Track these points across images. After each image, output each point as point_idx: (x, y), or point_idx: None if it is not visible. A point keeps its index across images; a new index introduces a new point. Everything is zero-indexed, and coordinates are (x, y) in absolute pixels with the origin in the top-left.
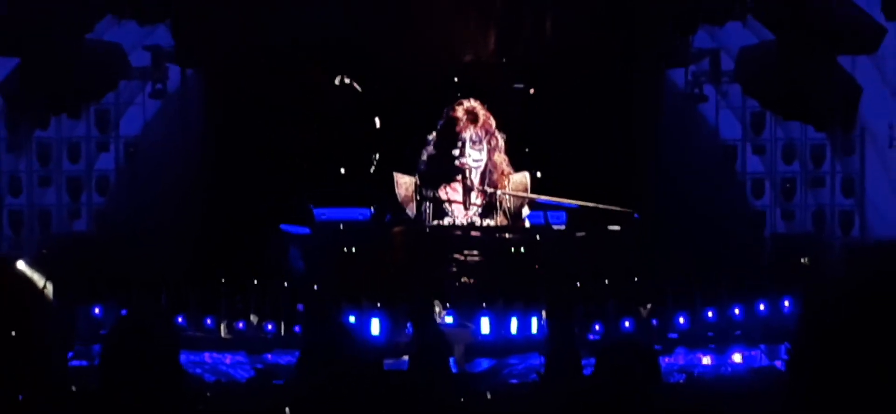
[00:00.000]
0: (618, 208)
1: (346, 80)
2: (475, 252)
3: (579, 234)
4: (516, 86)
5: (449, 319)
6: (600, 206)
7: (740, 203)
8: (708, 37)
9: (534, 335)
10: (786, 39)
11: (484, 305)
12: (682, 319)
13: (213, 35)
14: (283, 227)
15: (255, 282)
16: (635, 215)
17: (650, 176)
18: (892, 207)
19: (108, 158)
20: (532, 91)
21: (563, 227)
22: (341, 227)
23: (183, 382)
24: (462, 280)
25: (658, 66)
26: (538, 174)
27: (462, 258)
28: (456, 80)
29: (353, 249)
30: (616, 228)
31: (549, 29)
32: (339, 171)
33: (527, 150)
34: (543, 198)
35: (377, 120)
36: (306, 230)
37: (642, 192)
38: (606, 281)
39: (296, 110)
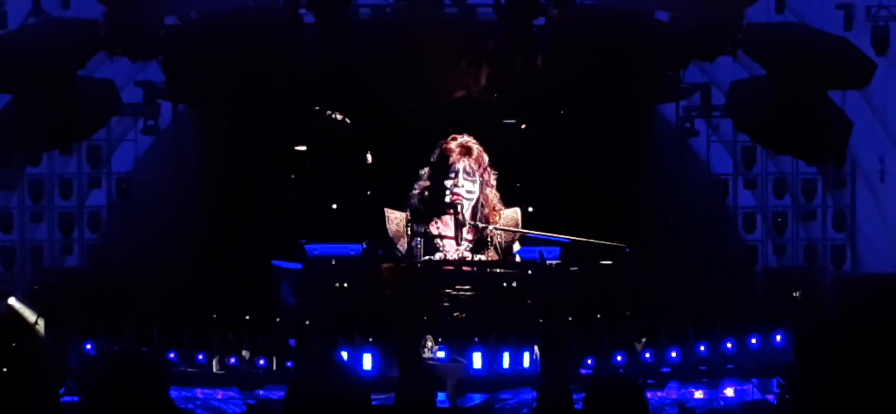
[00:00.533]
0: (610, 243)
1: (337, 116)
2: (467, 287)
3: (572, 268)
4: (507, 121)
5: (441, 354)
6: (592, 240)
7: (732, 237)
8: (699, 72)
9: (526, 370)
10: (776, 74)
11: (476, 339)
12: (674, 354)
13: (205, 73)
14: (274, 262)
15: (247, 317)
16: (627, 250)
17: (642, 211)
18: (884, 242)
19: (100, 194)
20: (524, 126)
21: (555, 261)
22: (333, 262)
23: None
24: (454, 315)
25: (649, 101)
26: (530, 209)
27: (454, 293)
28: (447, 116)
29: (345, 285)
30: (608, 262)
31: (541, 66)
32: (331, 207)
33: (518, 185)
34: (535, 233)
35: (369, 155)
36: (298, 266)
37: (634, 226)
38: (598, 315)
39: (287, 146)
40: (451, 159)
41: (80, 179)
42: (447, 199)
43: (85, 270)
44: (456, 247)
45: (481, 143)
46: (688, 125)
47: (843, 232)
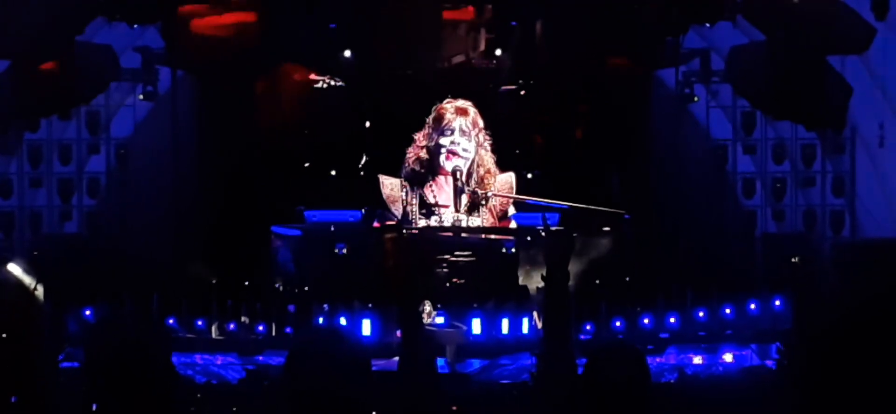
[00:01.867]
0: (608, 209)
1: (332, 81)
2: (466, 253)
3: (571, 234)
4: (505, 87)
5: (440, 320)
6: (591, 207)
7: (731, 203)
8: (698, 37)
9: (525, 335)
10: (776, 39)
11: (475, 305)
12: (672, 319)
13: (203, 38)
14: (274, 228)
15: (246, 283)
16: (626, 216)
17: (641, 176)
18: (883, 207)
19: (98, 160)
20: (523, 92)
21: (555, 227)
22: (332, 229)
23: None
24: (453, 280)
25: (648, 66)
26: (528, 175)
27: (453, 258)
28: (445, 82)
29: (344, 251)
30: (607, 228)
31: (539, 31)
32: (330, 174)
33: (517, 151)
34: (533, 199)
35: (367, 122)
36: (297, 232)
37: (633, 192)
38: (597, 281)
39: (286, 112)
40: (447, 119)
41: (79, 145)
42: (443, 159)
43: (84, 235)
44: (452, 210)
45: (479, 108)
46: (687, 91)
47: (842, 197)
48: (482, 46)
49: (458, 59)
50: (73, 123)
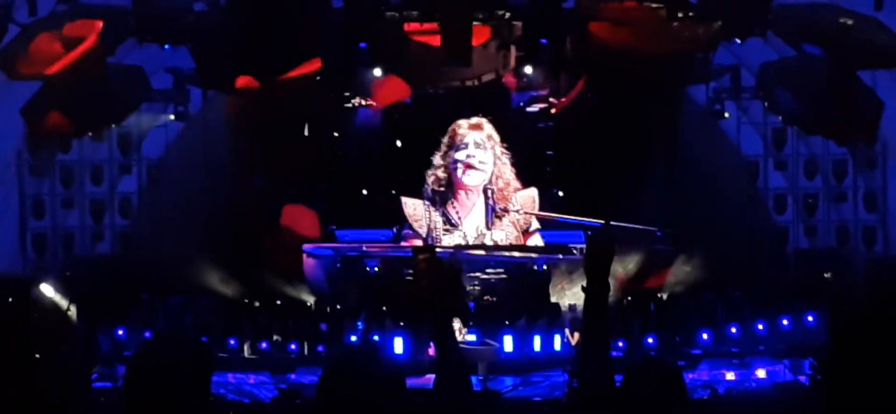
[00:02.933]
0: (640, 226)
1: (362, 102)
2: (498, 270)
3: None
4: (536, 105)
5: (471, 338)
6: (623, 224)
7: (763, 219)
8: (728, 53)
9: (557, 352)
10: (806, 55)
11: (507, 323)
12: (705, 335)
13: (234, 59)
14: (305, 248)
15: (279, 302)
16: (658, 233)
17: (672, 193)
18: None
19: (130, 180)
20: (553, 110)
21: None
22: (364, 248)
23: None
24: (484, 298)
25: (679, 83)
26: (560, 194)
27: (485, 276)
28: (473, 98)
29: (376, 269)
30: (640, 246)
31: (570, 49)
32: (361, 193)
33: (548, 169)
34: (565, 217)
35: (398, 142)
36: (329, 251)
37: (665, 209)
38: (629, 298)
39: (316, 131)
40: (461, 134)
41: (111, 165)
42: (460, 173)
43: (116, 255)
44: (474, 228)
45: (509, 125)
46: (718, 107)
47: (875, 213)
48: (512, 64)
49: (488, 76)
50: (105, 144)
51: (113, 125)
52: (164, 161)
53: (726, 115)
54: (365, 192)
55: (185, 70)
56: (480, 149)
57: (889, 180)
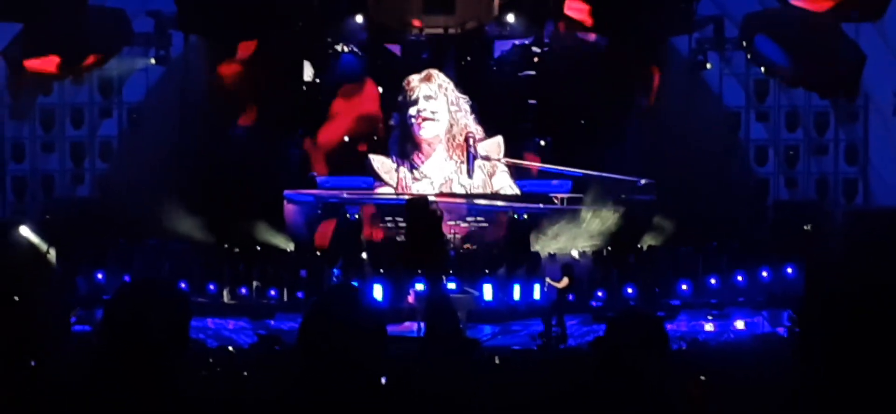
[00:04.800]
0: (622, 177)
1: (347, 48)
2: (479, 219)
3: (584, 204)
4: (518, 52)
5: (451, 286)
6: (604, 174)
7: (743, 170)
8: (711, 3)
9: (536, 301)
10: (790, 6)
11: (486, 271)
12: (684, 286)
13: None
14: (286, 193)
15: (258, 248)
16: (639, 182)
17: (653, 143)
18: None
19: (111, 124)
20: (535, 59)
21: (568, 195)
22: (344, 194)
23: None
24: (465, 247)
25: (662, 33)
26: (542, 143)
27: (465, 225)
28: (456, 44)
29: (357, 216)
30: (621, 196)
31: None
32: (343, 139)
33: (530, 118)
34: (548, 166)
35: (380, 88)
36: (309, 197)
37: (646, 159)
38: (608, 248)
39: (300, 78)
40: (410, 88)
41: (91, 109)
42: (415, 127)
43: (96, 199)
44: (442, 175)
45: (491, 73)
46: (700, 58)
47: (855, 165)
48: (495, 11)
49: (472, 24)
50: (86, 87)
51: (94, 68)
52: (144, 105)
53: (709, 65)
54: (347, 139)
55: (166, 13)
56: (431, 100)
57: (870, 133)
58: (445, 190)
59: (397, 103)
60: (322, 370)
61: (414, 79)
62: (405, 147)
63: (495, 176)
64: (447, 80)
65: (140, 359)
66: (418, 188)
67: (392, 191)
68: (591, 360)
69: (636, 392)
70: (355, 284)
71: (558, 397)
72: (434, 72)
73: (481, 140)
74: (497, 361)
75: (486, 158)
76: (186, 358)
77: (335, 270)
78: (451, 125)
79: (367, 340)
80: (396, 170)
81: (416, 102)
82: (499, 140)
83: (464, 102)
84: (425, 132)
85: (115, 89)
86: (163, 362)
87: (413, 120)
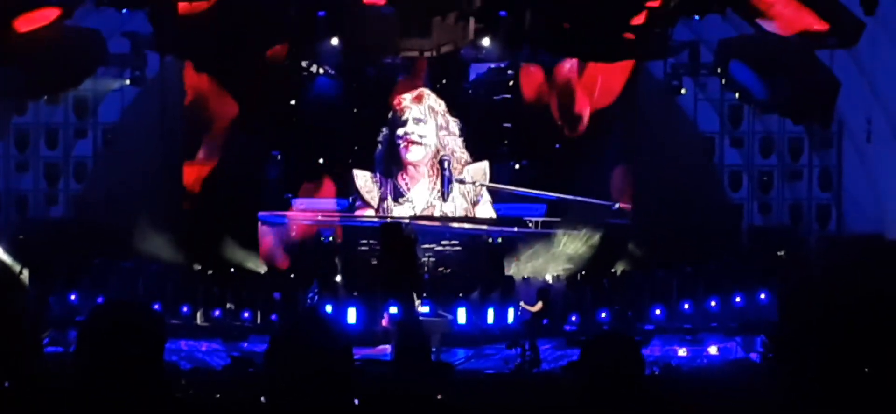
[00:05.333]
0: (597, 201)
1: (321, 69)
2: (453, 242)
3: (558, 227)
4: (493, 76)
5: (425, 309)
6: (578, 198)
7: (718, 195)
8: (687, 29)
9: (510, 325)
10: (764, 33)
11: (460, 295)
12: (658, 311)
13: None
14: (261, 215)
15: (232, 270)
16: (613, 207)
17: (628, 168)
18: (870, 201)
19: (86, 145)
20: (511, 83)
21: (541, 219)
22: (319, 217)
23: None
24: (439, 270)
25: (637, 58)
26: (516, 167)
27: (440, 248)
28: (431, 68)
29: (330, 238)
30: (595, 220)
31: (528, 21)
32: (318, 162)
33: (506, 142)
34: (523, 190)
35: (355, 110)
36: (283, 219)
37: (620, 184)
38: (582, 272)
39: (274, 101)
40: (401, 108)
41: (66, 129)
42: (402, 149)
43: (70, 219)
44: (425, 197)
45: (467, 96)
46: (675, 83)
47: (829, 191)
48: (470, 36)
49: (447, 48)
50: (61, 108)
51: (69, 89)
52: (119, 126)
53: (683, 91)
54: (321, 161)
55: (142, 34)
56: (420, 123)
57: (844, 160)
58: (427, 214)
59: (387, 120)
60: (290, 397)
61: (405, 98)
62: (390, 167)
63: (479, 206)
64: (438, 101)
65: (115, 380)
66: (400, 212)
67: (371, 213)
68: (565, 384)
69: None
70: (329, 306)
71: None
72: (425, 92)
73: (468, 164)
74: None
75: (461, 181)
76: (160, 380)
77: (309, 293)
78: (438, 150)
79: (334, 365)
80: (378, 189)
81: (404, 124)
82: (485, 166)
83: (454, 125)
84: (412, 156)
85: (90, 110)
86: (138, 384)
87: (400, 141)
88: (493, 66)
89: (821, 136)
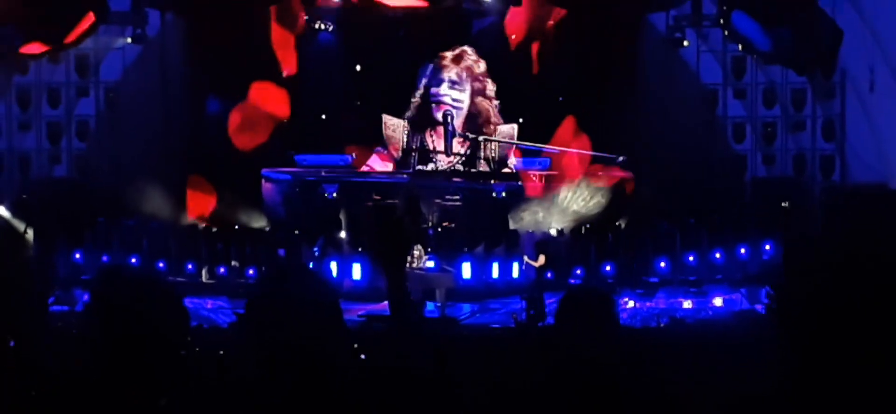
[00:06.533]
0: (601, 154)
1: (323, 25)
2: (456, 198)
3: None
4: (496, 30)
5: (430, 264)
6: (583, 151)
7: (721, 147)
8: None
9: (514, 279)
10: None
11: (465, 249)
12: (662, 264)
13: None
14: (264, 172)
15: (236, 227)
16: (618, 159)
17: (632, 120)
18: (872, 152)
19: (88, 103)
20: (513, 37)
21: (546, 172)
22: (323, 173)
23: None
24: (443, 225)
25: (639, 10)
26: (520, 120)
27: (443, 203)
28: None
29: (335, 194)
30: (600, 174)
31: None
32: (321, 117)
33: (508, 97)
34: (527, 143)
35: (358, 66)
36: (287, 176)
37: (625, 136)
38: (587, 225)
39: (276, 56)
40: (439, 66)
41: (68, 88)
42: (434, 108)
43: (73, 179)
44: (447, 158)
45: (475, 51)
46: (678, 35)
47: (832, 142)
48: None
49: (448, 2)
50: (63, 66)
51: (71, 47)
52: (121, 84)
53: (686, 42)
54: (324, 116)
55: None
56: (456, 88)
57: (847, 110)
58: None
59: (426, 73)
60: (272, 364)
61: (446, 57)
62: (422, 122)
63: (507, 165)
64: (478, 62)
65: (131, 357)
66: (422, 164)
67: (382, 167)
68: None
69: (586, 370)
70: (334, 263)
71: (534, 377)
72: (467, 50)
73: (498, 125)
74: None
75: (464, 136)
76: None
77: (314, 249)
78: (473, 115)
79: (318, 325)
80: (405, 139)
81: (439, 84)
82: (511, 130)
83: (491, 87)
84: (440, 115)
85: (91, 69)
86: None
87: (434, 103)
88: (495, 19)
89: (824, 87)
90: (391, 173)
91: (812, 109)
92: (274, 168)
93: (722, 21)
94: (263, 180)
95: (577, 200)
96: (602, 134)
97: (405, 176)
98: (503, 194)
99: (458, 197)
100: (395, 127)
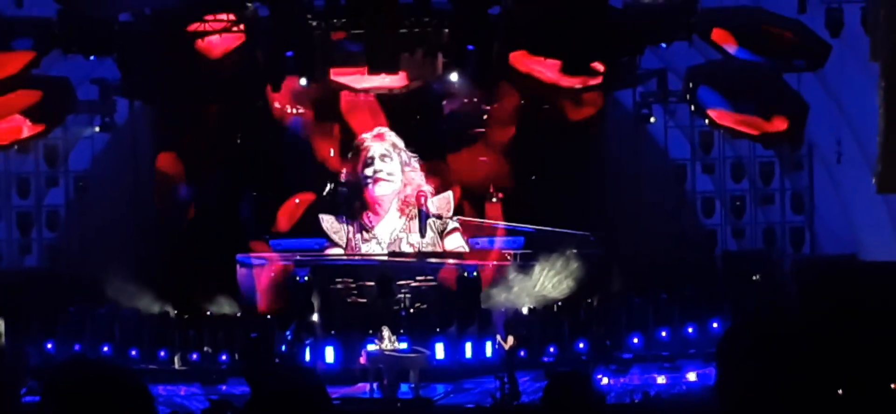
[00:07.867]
0: (573, 231)
1: (293, 109)
2: (430, 278)
3: (532, 259)
4: (464, 111)
5: (402, 345)
6: (556, 229)
7: (691, 222)
8: (654, 57)
9: (488, 359)
10: (731, 58)
11: (438, 330)
12: (636, 339)
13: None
14: (239, 257)
15: (209, 313)
16: (591, 238)
17: (601, 198)
18: (842, 223)
19: (57, 193)
20: (485, 116)
21: (520, 251)
22: (297, 257)
23: None
24: (416, 306)
25: (605, 88)
26: (494, 199)
27: (415, 284)
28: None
29: (306, 279)
30: (572, 251)
31: (496, 54)
32: (294, 201)
33: (480, 174)
34: (500, 223)
35: (332, 151)
36: (262, 261)
37: (595, 214)
38: (559, 303)
39: (246, 141)
40: (364, 147)
41: (37, 178)
42: (371, 187)
43: (44, 269)
44: (389, 235)
45: (438, 131)
46: (645, 111)
47: (802, 214)
48: (439, 70)
49: (416, 83)
50: (32, 156)
51: (39, 137)
52: (90, 173)
53: (653, 119)
54: (297, 201)
55: (111, 81)
56: (386, 160)
57: (816, 182)
58: (394, 249)
59: (348, 161)
60: None
61: (367, 137)
62: (354, 206)
63: (449, 237)
64: (398, 138)
65: None
66: (368, 249)
67: (342, 252)
68: None
69: None
70: (307, 347)
71: None
72: (385, 130)
73: (432, 196)
74: None
75: (438, 217)
76: None
77: (287, 334)
78: (405, 185)
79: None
80: (345, 228)
81: (371, 163)
82: (449, 196)
83: (415, 161)
84: (380, 190)
85: (61, 158)
86: None
87: (368, 180)
88: (465, 100)
89: (791, 159)
90: (365, 255)
91: (780, 182)
92: (247, 253)
93: (688, 97)
94: (238, 265)
95: (549, 279)
96: (573, 211)
97: (377, 260)
98: (475, 274)
99: (431, 278)
100: (331, 221)
